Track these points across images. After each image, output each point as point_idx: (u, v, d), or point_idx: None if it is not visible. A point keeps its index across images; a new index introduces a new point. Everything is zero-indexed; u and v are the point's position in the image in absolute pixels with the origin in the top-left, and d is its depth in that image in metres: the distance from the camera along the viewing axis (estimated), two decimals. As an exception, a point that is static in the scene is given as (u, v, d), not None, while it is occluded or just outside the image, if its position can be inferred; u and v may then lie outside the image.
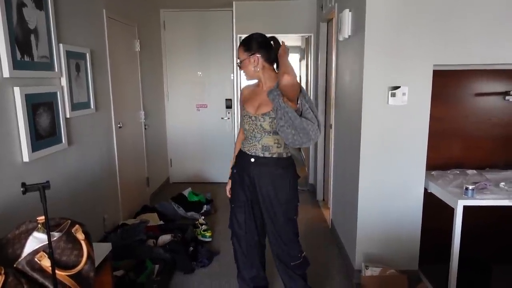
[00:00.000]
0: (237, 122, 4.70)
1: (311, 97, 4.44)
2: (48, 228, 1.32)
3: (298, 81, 1.87)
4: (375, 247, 2.59)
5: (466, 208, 2.12)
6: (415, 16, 2.31)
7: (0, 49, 1.90)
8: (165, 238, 3.06)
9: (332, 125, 3.54)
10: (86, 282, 1.46)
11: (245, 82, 2.29)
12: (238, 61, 2.09)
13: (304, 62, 6.19)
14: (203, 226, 3.46)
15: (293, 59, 7.99)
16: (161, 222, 3.55)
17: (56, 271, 1.34)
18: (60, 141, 2.45)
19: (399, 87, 2.37)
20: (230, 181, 2.29)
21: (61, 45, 2.45)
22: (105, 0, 3.20)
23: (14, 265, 1.35)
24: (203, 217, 3.74)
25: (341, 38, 2.96)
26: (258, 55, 2.00)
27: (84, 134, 2.83)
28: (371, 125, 2.45)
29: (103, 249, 1.87)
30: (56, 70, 2.41)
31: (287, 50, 1.92)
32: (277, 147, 2.04)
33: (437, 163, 2.65)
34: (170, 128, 5.15)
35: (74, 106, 2.64)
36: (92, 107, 2.92)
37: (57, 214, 1.60)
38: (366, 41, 2.36)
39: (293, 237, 2.12)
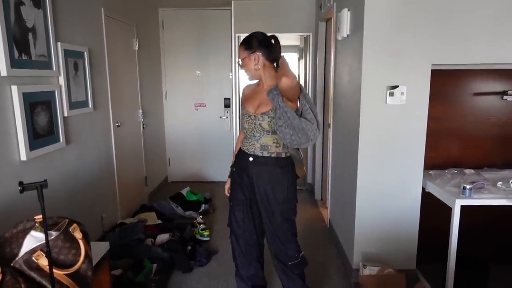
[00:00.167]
0: (236, 121, 4.70)
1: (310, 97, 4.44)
2: (45, 227, 1.32)
3: (298, 81, 1.87)
4: (373, 247, 2.60)
5: (463, 208, 2.13)
6: (414, 15, 2.31)
7: (-2, 48, 1.89)
8: (163, 237, 3.06)
9: (331, 125, 3.54)
10: (84, 281, 1.46)
11: (243, 81, 2.29)
12: (239, 60, 2.09)
13: (302, 62, 6.19)
14: (201, 225, 3.46)
15: (292, 58, 7.98)
16: (159, 221, 3.55)
17: (54, 270, 1.34)
18: (58, 140, 2.45)
19: (397, 86, 2.38)
20: (229, 179, 2.29)
21: (59, 43, 2.44)
22: (104, -1, 3.20)
23: (12, 264, 1.35)
24: (201, 216, 3.74)
25: (339, 38, 2.96)
26: (258, 53, 2.00)
27: (82, 133, 2.82)
28: (369, 124, 2.45)
29: (101, 248, 1.87)
30: (54, 68, 2.40)
31: (286, 62, 1.91)
32: (276, 146, 2.04)
33: (435, 162, 2.65)
34: (169, 127, 5.14)
35: (72, 105, 2.63)
36: (90, 106, 2.91)
37: (55, 213, 1.60)
38: (365, 40, 2.36)
39: (291, 237, 2.12)
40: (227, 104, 5.01)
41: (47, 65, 2.34)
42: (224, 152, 4.98)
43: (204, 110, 5.08)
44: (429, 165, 2.58)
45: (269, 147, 2.04)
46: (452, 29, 2.32)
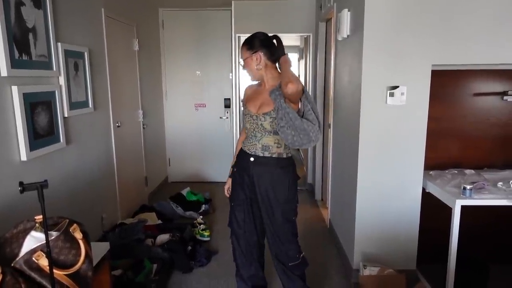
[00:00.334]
0: (236, 121, 4.70)
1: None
2: (46, 227, 1.32)
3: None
4: (373, 247, 2.60)
5: (464, 208, 2.13)
6: (414, 15, 2.31)
7: (-2, 48, 1.89)
8: (163, 237, 3.06)
9: (331, 125, 3.54)
10: (84, 282, 1.46)
11: (244, 82, 2.29)
12: (242, 60, 2.10)
13: (302, 62, 6.19)
14: (202, 225, 3.46)
15: (292, 59, 7.97)
16: (160, 222, 3.54)
17: (54, 271, 1.34)
18: (58, 140, 2.45)
19: (397, 86, 2.38)
20: (229, 180, 2.29)
21: (59, 44, 2.44)
22: (104, -1, 3.20)
23: (12, 264, 1.35)
24: (201, 216, 3.74)
25: (339, 38, 2.96)
26: (260, 53, 2.01)
27: (82, 133, 2.82)
28: (370, 124, 2.45)
29: (101, 249, 1.87)
30: (54, 69, 2.40)
31: (289, 62, 1.93)
32: (277, 147, 2.04)
33: (435, 163, 2.65)
34: (169, 127, 5.14)
35: (72, 105, 2.63)
36: (90, 106, 2.91)
37: (55, 213, 1.60)
38: (365, 40, 2.36)
39: (291, 237, 2.12)
40: (227, 104, 5.01)
41: (47, 65, 2.34)
42: (224, 152, 4.98)
43: (204, 110, 5.08)
44: (429, 166, 2.58)
45: (271, 147, 2.04)
46: (453, 29, 2.32)
